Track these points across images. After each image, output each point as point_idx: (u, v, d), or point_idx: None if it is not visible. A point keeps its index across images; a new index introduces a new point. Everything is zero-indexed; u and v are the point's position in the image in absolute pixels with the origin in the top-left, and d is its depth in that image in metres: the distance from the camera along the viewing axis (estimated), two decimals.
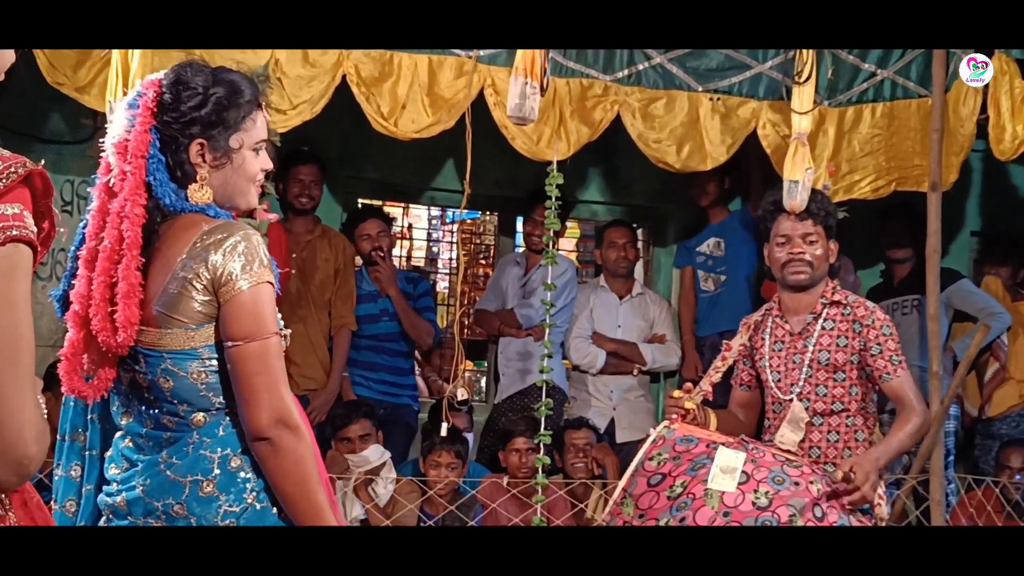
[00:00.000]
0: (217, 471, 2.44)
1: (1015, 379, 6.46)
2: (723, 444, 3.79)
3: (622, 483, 3.84)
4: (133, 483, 2.47)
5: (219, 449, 2.45)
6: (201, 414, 2.45)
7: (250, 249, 2.41)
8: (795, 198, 4.44)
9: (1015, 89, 5.21)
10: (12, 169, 1.70)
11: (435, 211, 8.89)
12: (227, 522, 2.42)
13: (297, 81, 4.87)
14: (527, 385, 6.20)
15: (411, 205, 8.20)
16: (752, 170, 6.16)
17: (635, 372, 6.51)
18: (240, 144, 2.54)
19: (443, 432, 5.33)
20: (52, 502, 2.61)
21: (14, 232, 1.68)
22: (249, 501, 2.44)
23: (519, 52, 4.68)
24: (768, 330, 4.30)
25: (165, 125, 2.46)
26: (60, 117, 5.83)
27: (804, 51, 4.97)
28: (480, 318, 6.80)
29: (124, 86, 4.36)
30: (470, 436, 6.32)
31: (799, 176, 4.67)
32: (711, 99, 5.32)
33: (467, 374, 5.51)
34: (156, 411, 2.46)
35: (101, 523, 2.55)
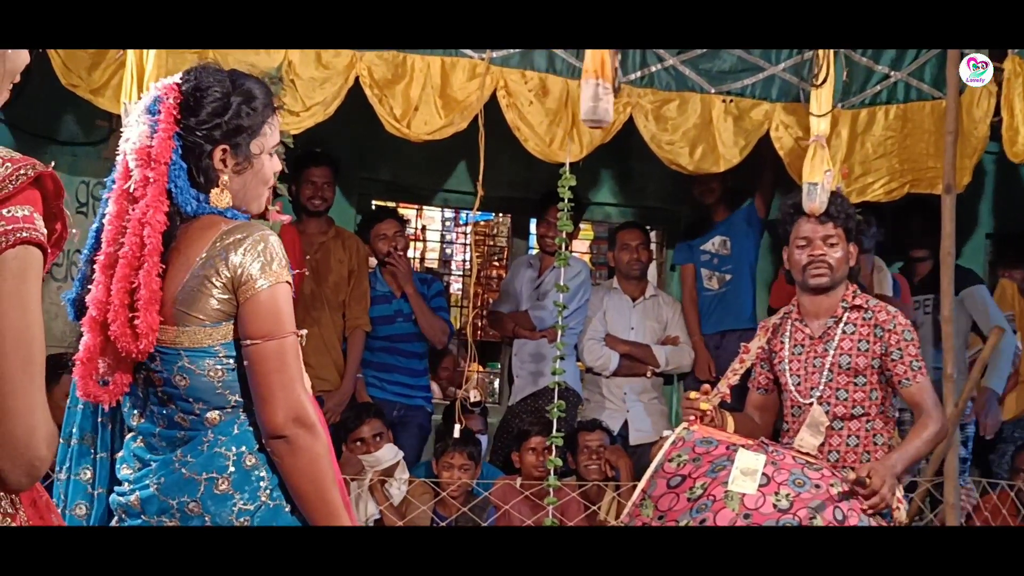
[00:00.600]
0: (232, 469, 2.44)
1: None
2: (743, 446, 3.79)
3: (641, 484, 3.83)
4: (147, 482, 2.48)
5: (234, 447, 2.46)
6: (216, 412, 2.46)
7: (269, 249, 2.44)
8: (814, 200, 4.43)
9: None
10: (22, 171, 1.71)
11: (448, 213, 8.90)
12: (241, 520, 2.43)
13: (310, 83, 4.87)
14: (540, 387, 6.20)
15: (424, 207, 8.21)
16: (764, 171, 6.15)
17: (648, 374, 6.50)
18: (260, 149, 2.57)
19: (456, 434, 5.34)
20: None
21: (24, 234, 1.69)
22: (263, 499, 2.45)
23: (588, 54, 4.68)
24: (787, 333, 4.28)
25: (188, 131, 2.48)
26: (75, 119, 5.84)
27: (822, 53, 4.96)
28: (494, 320, 6.80)
29: (139, 88, 4.37)
30: (484, 438, 6.32)
31: (818, 178, 4.66)
32: (724, 101, 5.31)
33: (477, 376, 5.51)
34: (170, 410, 2.47)
35: (113, 523, 2.56)
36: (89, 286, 2.47)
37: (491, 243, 9.35)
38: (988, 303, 6.28)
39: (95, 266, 2.47)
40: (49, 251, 1.75)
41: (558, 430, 5.12)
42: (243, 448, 2.46)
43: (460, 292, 8.74)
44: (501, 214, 8.45)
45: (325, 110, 4.93)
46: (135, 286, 2.39)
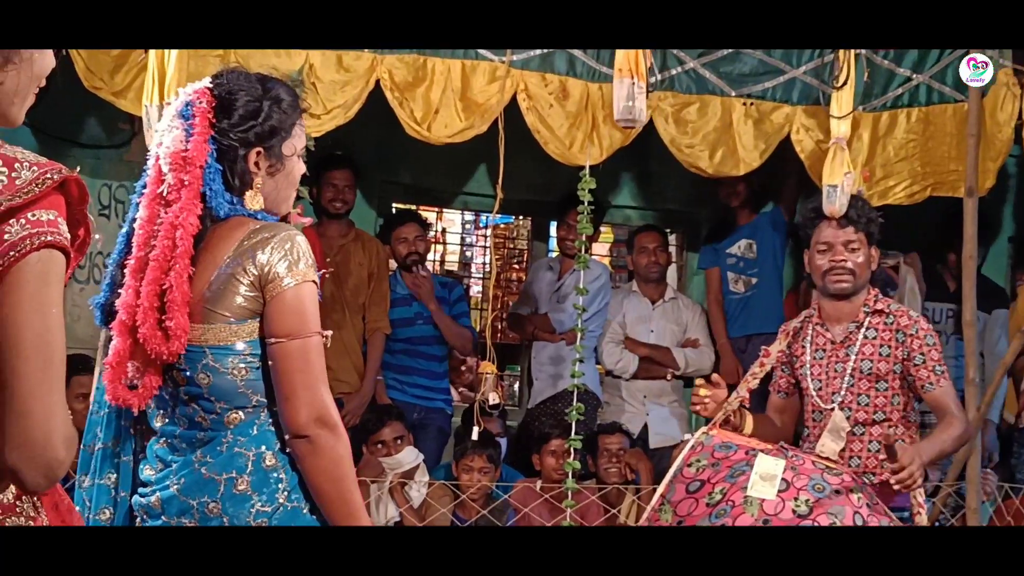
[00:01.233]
0: (251, 468, 2.45)
1: None
2: (762, 451, 3.78)
3: (660, 489, 3.83)
4: (168, 482, 2.49)
5: (253, 447, 2.47)
6: (237, 412, 2.47)
7: (296, 249, 2.45)
8: (834, 203, 4.42)
9: None
10: (47, 175, 1.72)
11: (468, 216, 8.90)
12: (259, 522, 2.43)
13: (331, 86, 4.88)
14: (560, 390, 6.20)
15: (444, 210, 8.21)
16: (787, 174, 6.14)
17: (668, 377, 6.49)
18: (292, 151, 2.60)
19: (475, 436, 5.34)
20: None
21: (48, 238, 1.70)
22: (281, 501, 2.46)
23: (619, 53, 4.67)
24: (808, 338, 4.27)
25: (222, 134, 2.50)
26: (97, 122, 5.87)
27: (842, 55, 4.95)
28: (514, 322, 6.81)
29: (160, 91, 4.39)
30: (503, 441, 6.32)
31: (838, 180, 4.64)
32: (744, 104, 5.29)
33: (490, 377, 5.52)
34: (192, 410, 2.48)
35: (136, 522, 2.57)
36: (119, 290, 2.49)
37: (511, 246, 9.35)
38: (1004, 332, 6.28)
39: (124, 271, 2.49)
40: (72, 255, 1.76)
41: (577, 433, 5.12)
42: (262, 448, 2.47)
43: (480, 295, 8.74)
44: (521, 217, 8.45)
45: (346, 113, 4.94)
46: (165, 288, 2.40)
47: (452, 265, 8.97)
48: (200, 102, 2.50)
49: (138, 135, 5.32)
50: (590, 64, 5.11)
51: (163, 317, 2.40)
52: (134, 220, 2.52)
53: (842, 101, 4.98)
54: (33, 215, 1.70)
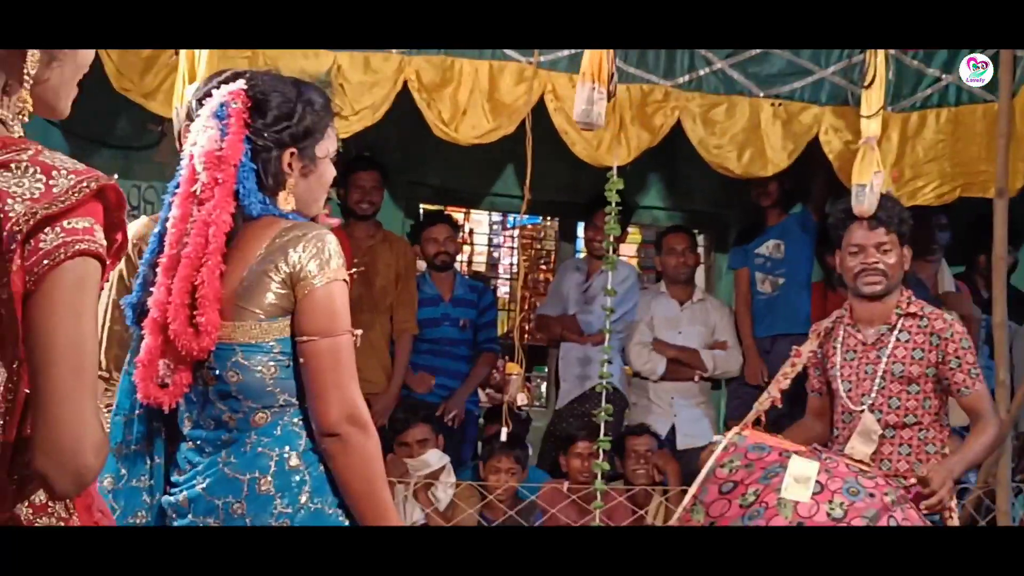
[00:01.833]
0: (274, 469, 2.46)
1: None
2: (796, 453, 3.76)
3: (693, 489, 3.82)
4: (194, 482, 2.50)
5: (276, 448, 2.47)
6: (263, 412, 2.47)
7: (327, 248, 2.47)
8: (863, 202, 4.39)
9: None
10: (84, 183, 1.74)
11: (496, 216, 8.91)
12: (281, 523, 2.44)
13: (359, 87, 4.90)
14: (587, 389, 6.19)
15: (472, 211, 8.23)
16: (816, 175, 6.11)
17: (696, 378, 6.47)
18: (324, 153, 2.61)
19: (503, 437, 5.34)
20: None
21: (82, 246, 1.72)
22: (303, 502, 2.46)
23: (585, 57, 4.67)
24: (839, 339, 4.24)
25: (257, 134, 2.51)
26: (127, 123, 5.91)
27: (869, 54, 4.93)
28: (541, 324, 6.81)
29: None
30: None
31: (867, 180, 4.62)
32: (773, 105, 5.28)
33: (516, 378, 5.53)
34: (219, 410, 2.49)
35: (166, 522, 2.57)
36: (151, 289, 2.50)
37: (538, 247, 9.35)
38: None
39: (157, 270, 2.50)
40: (108, 262, 1.78)
41: (605, 434, 5.11)
42: (286, 448, 2.47)
43: (507, 296, 8.75)
44: (549, 218, 8.44)
45: (374, 114, 4.95)
46: (196, 285, 2.42)
47: (479, 266, 8.97)
48: (235, 102, 2.51)
49: (167, 136, 5.35)
50: (618, 65, 5.09)
51: (194, 313, 2.42)
52: (166, 219, 2.53)
53: (871, 100, 4.96)
54: (68, 223, 1.71)
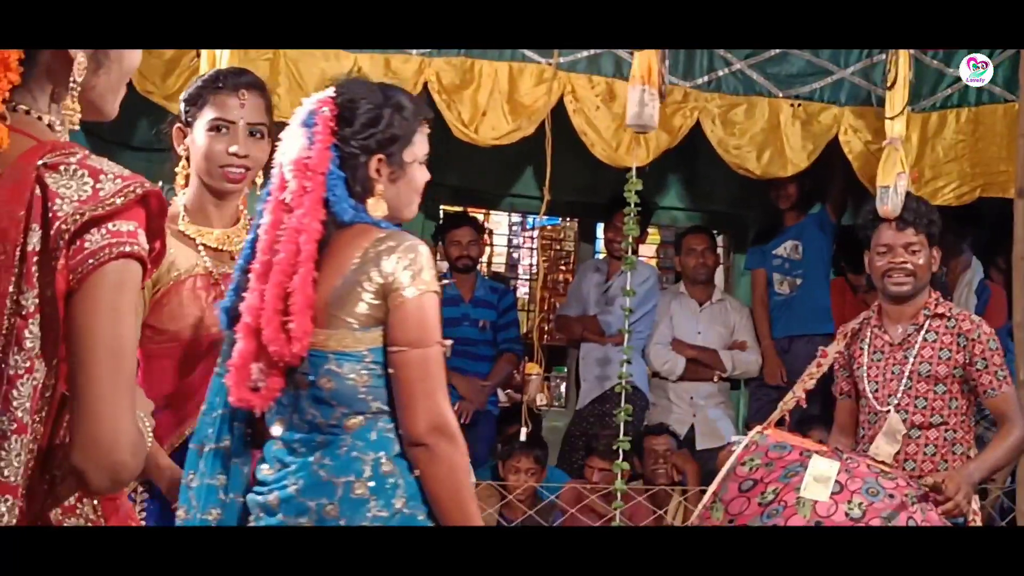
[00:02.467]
0: (369, 473, 2.47)
1: None
2: (816, 452, 3.77)
3: (713, 487, 3.83)
4: (286, 483, 2.51)
5: (371, 452, 2.48)
6: (357, 418, 2.48)
7: (420, 258, 2.48)
8: (887, 204, 4.39)
9: None
10: (131, 188, 1.77)
11: (515, 217, 8.94)
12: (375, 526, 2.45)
13: None
14: (607, 390, 6.20)
15: (491, 211, 8.25)
16: (834, 176, 6.11)
17: (715, 379, 6.47)
18: (412, 158, 2.64)
19: (523, 437, 5.35)
20: (180, 511, 2.63)
21: (126, 248, 1.75)
22: (398, 507, 2.47)
23: (636, 59, 4.69)
24: (867, 340, 4.23)
25: (344, 142, 2.53)
26: (149, 125, 5.94)
27: (891, 55, 4.92)
28: (561, 324, 6.82)
29: None
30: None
31: (890, 181, 4.61)
32: (792, 105, 5.28)
33: (535, 378, 5.55)
34: (312, 415, 2.50)
35: (250, 520, 2.57)
36: (244, 294, 2.52)
37: (558, 247, 9.37)
38: None
39: (250, 275, 2.53)
40: (148, 267, 1.81)
41: (625, 434, 5.12)
42: (380, 454, 2.48)
43: (527, 296, 8.76)
44: (568, 219, 8.47)
45: None
46: (289, 291, 2.44)
47: (499, 267, 9.00)
48: (323, 110, 2.54)
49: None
50: None
51: (286, 320, 2.43)
52: (259, 226, 2.56)
53: (894, 101, 4.95)
54: (114, 225, 1.75)
